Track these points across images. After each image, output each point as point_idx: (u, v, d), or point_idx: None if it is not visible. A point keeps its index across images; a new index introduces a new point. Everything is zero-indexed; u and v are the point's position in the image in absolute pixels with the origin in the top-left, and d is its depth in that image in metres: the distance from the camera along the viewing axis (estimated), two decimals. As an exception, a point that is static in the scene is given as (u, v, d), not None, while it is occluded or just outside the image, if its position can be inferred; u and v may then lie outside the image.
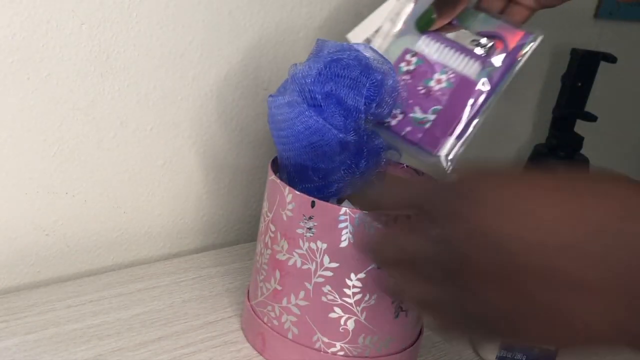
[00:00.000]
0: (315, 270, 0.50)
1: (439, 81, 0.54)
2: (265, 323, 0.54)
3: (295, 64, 0.52)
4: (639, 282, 0.28)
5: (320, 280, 0.50)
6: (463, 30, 0.55)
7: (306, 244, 0.49)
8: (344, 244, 0.49)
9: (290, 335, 0.52)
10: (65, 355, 0.51)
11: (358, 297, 0.50)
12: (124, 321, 0.56)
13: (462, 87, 0.53)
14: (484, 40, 0.54)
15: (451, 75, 0.54)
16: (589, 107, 0.95)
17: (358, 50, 0.51)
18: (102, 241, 0.67)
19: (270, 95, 0.53)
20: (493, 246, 0.30)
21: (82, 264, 0.67)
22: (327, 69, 0.50)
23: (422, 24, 0.55)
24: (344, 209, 0.48)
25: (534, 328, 0.30)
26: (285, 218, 0.50)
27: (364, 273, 0.49)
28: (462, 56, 0.54)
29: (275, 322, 0.53)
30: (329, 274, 0.50)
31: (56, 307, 0.57)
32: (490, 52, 0.54)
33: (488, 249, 0.30)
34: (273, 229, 0.52)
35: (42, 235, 0.63)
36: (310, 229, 0.49)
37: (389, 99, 0.52)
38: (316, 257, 0.50)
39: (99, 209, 0.65)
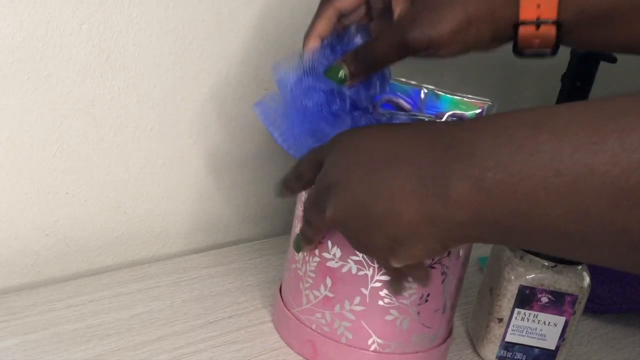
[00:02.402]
0: (372, 276, 0.50)
1: None
2: (314, 330, 0.54)
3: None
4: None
5: (378, 285, 0.50)
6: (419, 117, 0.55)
7: None
8: None
9: (344, 340, 0.53)
10: (65, 355, 0.51)
11: (414, 297, 0.51)
12: (124, 321, 0.56)
13: None
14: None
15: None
16: (589, 107, 0.95)
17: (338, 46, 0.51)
18: (102, 241, 0.67)
19: (256, 104, 0.54)
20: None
21: (82, 264, 0.67)
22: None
23: (333, 79, 0.49)
24: None
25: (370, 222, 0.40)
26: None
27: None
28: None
29: (327, 329, 0.53)
30: (386, 278, 0.50)
31: (56, 307, 0.57)
32: None
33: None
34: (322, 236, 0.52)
35: (42, 235, 0.63)
36: None
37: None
38: (373, 263, 0.50)
39: (99, 209, 0.65)
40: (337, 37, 0.51)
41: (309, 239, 0.51)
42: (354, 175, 0.40)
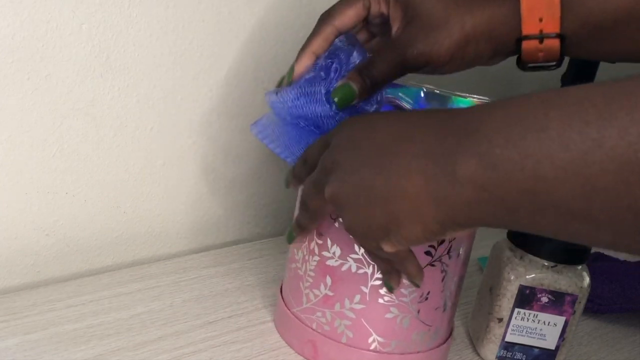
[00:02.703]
0: (372, 274, 0.50)
1: None
2: (314, 330, 0.54)
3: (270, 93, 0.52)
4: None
5: (377, 283, 0.51)
6: None
7: (362, 249, 0.50)
8: None
9: (344, 339, 0.53)
10: (65, 355, 0.51)
11: (414, 295, 0.51)
12: (124, 321, 0.56)
13: None
14: None
15: None
16: (589, 107, 0.95)
17: (330, 58, 0.51)
18: (102, 241, 0.67)
19: (252, 124, 0.54)
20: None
21: (82, 264, 0.67)
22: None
23: (342, 98, 0.48)
24: None
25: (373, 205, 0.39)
26: (337, 224, 0.51)
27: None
28: None
29: (327, 328, 0.53)
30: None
31: (56, 307, 0.57)
32: None
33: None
34: (322, 235, 0.52)
35: (42, 235, 0.63)
36: None
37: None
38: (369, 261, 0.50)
39: (99, 209, 0.65)
40: (329, 53, 0.51)
41: (304, 226, 0.49)
42: (358, 153, 0.40)
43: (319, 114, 0.49)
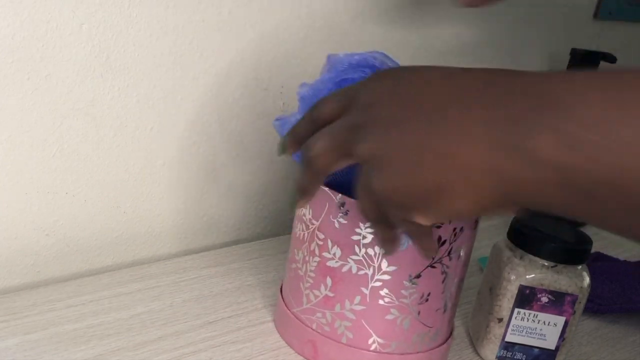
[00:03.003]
0: (373, 275, 0.50)
1: None
2: (314, 330, 0.54)
3: (304, 84, 0.52)
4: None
5: (378, 284, 0.51)
6: None
7: (362, 250, 0.50)
8: (402, 247, 0.49)
9: (344, 340, 0.53)
10: (65, 355, 0.51)
11: (414, 297, 0.51)
12: (124, 321, 0.56)
13: None
14: None
15: None
16: (589, 107, 0.95)
17: (366, 68, 0.51)
18: (102, 241, 0.67)
19: (276, 119, 0.53)
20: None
21: (82, 264, 0.67)
22: (336, 89, 0.50)
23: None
24: None
25: (425, 172, 0.35)
26: (337, 225, 0.51)
27: (421, 273, 0.50)
28: None
29: (327, 328, 0.53)
30: (386, 277, 0.50)
31: (56, 307, 0.57)
32: None
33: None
34: (322, 236, 0.52)
35: (42, 235, 0.63)
36: (367, 235, 0.49)
37: None
38: (374, 262, 0.50)
39: (99, 209, 0.65)
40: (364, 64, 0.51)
41: (308, 189, 0.43)
42: (407, 107, 0.35)
43: None
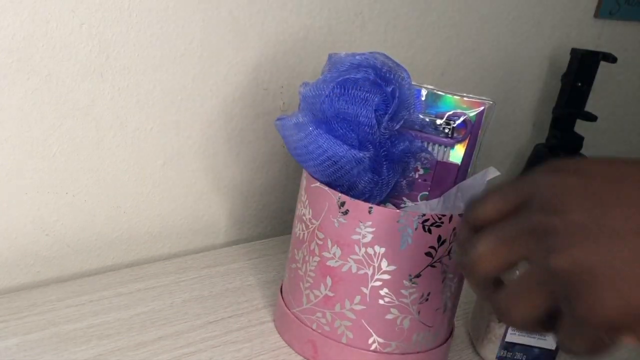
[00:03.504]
0: (373, 275, 0.50)
1: (416, 169, 0.57)
2: (314, 330, 0.54)
3: (306, 83, 0.52)
4: None
5: (378, 284, 0.51)
6: (423, 117, 0.56)
7: (362, 250, 0.50)
8: (403, 247, 0.49)
9: (344, 340, 0.53)
10: (65, 355, 0.51)
11: (414, 296, 0.51)
12: (124, 321, 0.56)
13: (440, 169, 0.57)
14: (445, 124, 0.56)
15: (425, 161, 0.57)
16: (589, 107, 0.95)
17: (368, 68, 0.51)
18: (102, 241, 0.67)
19: (277, 119, 0.53)
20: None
21: (82, 264, 0.67)
22: (338, 88, 0.50)
23: None
24: (402, 213, 0.49)
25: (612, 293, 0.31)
26: (337, 225, 0.51)
27: (421, 273, 0.50)
28: (430, 145, 0.56)
29: (327, 328, 0.53)
30: (386, 277, 0.50)
31: (56, 307, 0.57)
32: (454, 131, 0.56)
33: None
34: (321, 236, 0.52)
35: (42, 235, 0.63)
36: (367, 234, 0.49)
37: (403, 109, 0.52)
38: (373, 262, 0.50)
39: (99, 209, 0.65)
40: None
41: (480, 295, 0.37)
42: (611, 217, 0.31)
43: (360, 119, 0.50)
